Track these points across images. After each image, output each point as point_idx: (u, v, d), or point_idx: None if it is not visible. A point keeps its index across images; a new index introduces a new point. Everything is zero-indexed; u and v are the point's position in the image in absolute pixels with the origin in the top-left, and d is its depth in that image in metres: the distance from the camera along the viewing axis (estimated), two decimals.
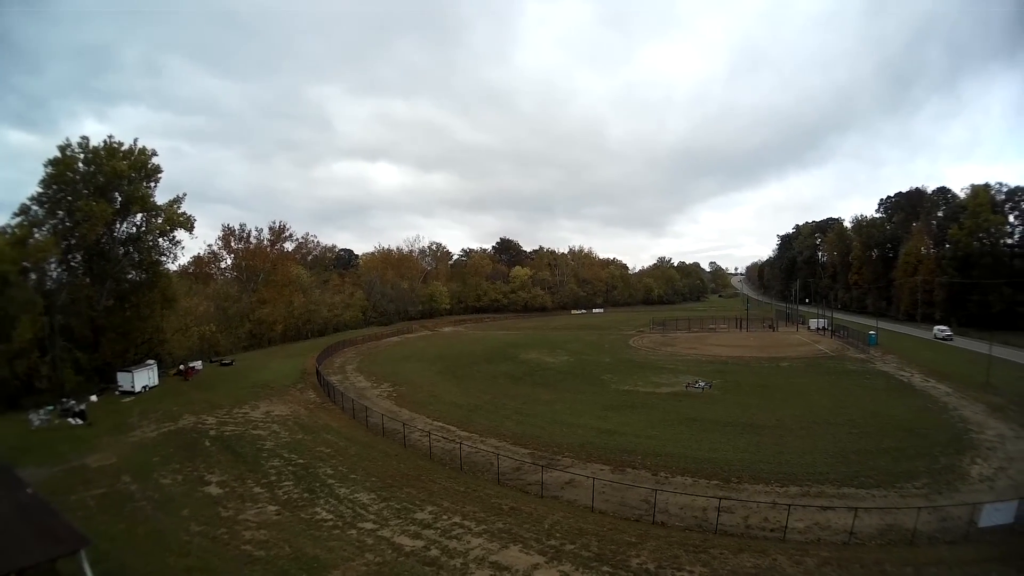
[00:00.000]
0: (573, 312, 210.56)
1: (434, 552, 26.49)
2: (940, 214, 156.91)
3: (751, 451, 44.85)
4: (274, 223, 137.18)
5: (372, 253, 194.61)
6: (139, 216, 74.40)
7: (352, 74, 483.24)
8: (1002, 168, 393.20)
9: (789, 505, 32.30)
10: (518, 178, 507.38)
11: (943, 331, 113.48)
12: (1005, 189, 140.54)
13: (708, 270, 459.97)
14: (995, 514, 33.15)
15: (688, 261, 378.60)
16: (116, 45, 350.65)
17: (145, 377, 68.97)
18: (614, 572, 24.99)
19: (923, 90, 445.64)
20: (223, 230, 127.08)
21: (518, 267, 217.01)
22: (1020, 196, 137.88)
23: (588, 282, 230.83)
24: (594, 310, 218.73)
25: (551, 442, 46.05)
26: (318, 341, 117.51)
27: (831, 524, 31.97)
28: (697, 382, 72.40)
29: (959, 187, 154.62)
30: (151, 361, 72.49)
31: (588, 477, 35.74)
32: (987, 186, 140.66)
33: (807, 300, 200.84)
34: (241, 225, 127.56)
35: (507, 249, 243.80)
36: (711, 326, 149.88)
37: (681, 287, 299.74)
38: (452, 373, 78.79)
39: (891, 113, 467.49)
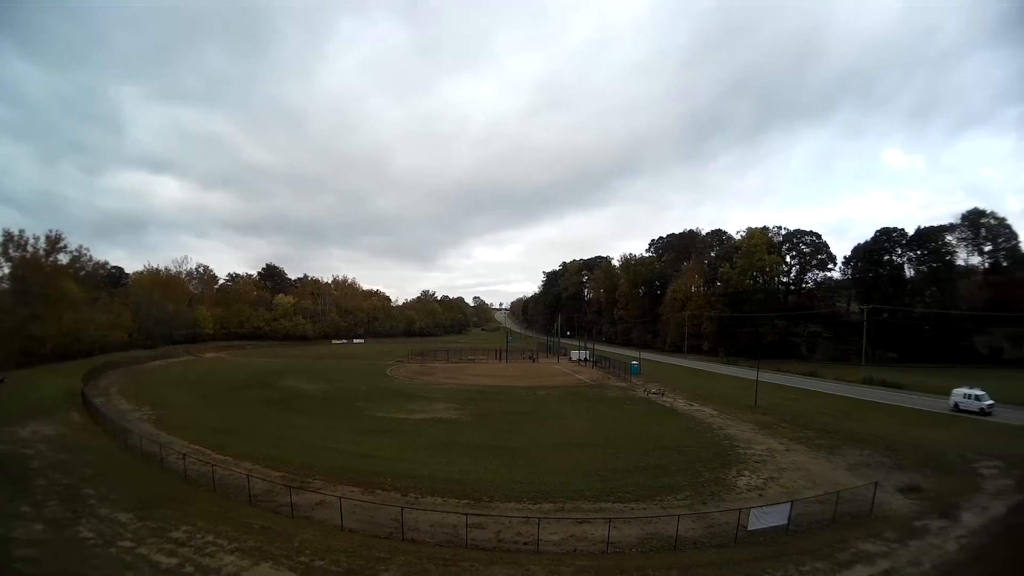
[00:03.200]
0: (334, 342, 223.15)
1: (189, 569, 28.87)
2: (713, 254, 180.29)
3: (503, 472, 47.71)
4: (51, 232, 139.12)
5: (142, 272, 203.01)
6: None
7: (156, 76, 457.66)
8: (793, 214, 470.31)
9: (539, 519, 34.60)
10: (295, 202, 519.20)
11: (973, 398, 73.26)
12: (784, 232, 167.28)
13: (472, 304, 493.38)
14: (765, 517, 35.53)
15: (454, 295, 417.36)
16: None
17: None
18: None
19: (724, 141, 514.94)
20: (3, 235, 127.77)
21: (282, 295, 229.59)
22: (798, 239, 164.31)
23: (350, 312, 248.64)
24: (355, 340, 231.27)
25: (303, 465, 48.65)
26: (86, 361, 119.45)
27: (588, 536, 34.09)
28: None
29: (736, 230, 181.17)
30: None
31: (338, 498, 37.73)
32: (764, 229, 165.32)
33: (568, 333, 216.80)
34: (20, 231, 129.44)
35: (273, 276, 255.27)
36: (470, 357, 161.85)
37: (443, 320, 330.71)
38: (211, 398, 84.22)
39: (686, 160, 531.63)
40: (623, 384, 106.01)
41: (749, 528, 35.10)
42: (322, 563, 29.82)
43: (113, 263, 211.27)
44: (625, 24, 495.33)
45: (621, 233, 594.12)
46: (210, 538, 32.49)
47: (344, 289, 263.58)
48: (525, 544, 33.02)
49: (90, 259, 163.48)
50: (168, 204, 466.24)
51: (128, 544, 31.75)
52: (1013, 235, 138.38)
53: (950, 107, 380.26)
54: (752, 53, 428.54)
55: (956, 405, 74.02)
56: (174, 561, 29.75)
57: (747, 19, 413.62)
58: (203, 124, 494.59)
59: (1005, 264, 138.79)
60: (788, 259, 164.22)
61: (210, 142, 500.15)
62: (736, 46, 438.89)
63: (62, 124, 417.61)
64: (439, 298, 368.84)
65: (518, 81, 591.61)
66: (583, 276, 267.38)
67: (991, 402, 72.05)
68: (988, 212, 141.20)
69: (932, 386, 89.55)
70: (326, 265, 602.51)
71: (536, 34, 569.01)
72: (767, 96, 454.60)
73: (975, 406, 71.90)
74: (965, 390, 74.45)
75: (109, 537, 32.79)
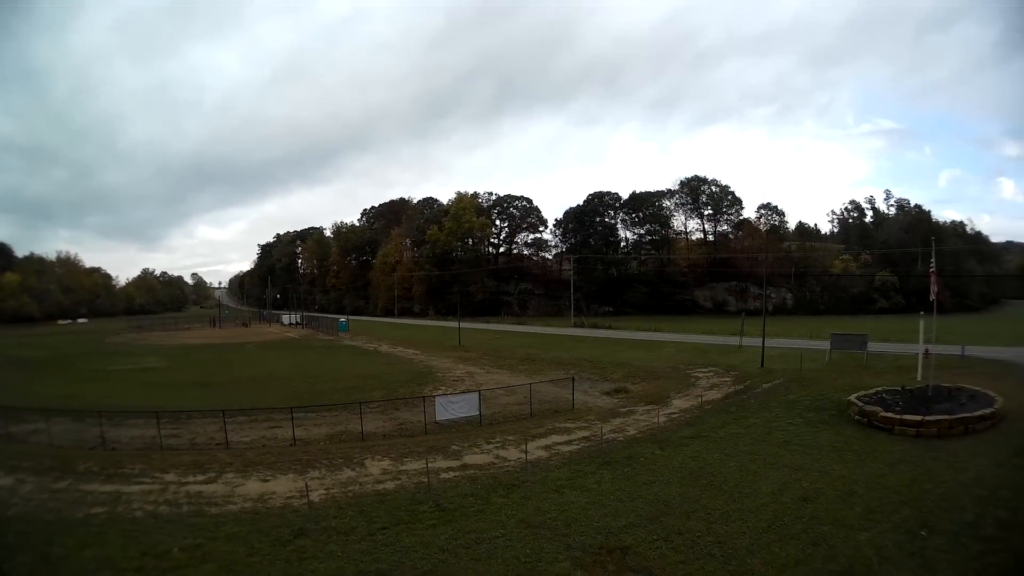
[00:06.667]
0: (59, 322, 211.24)
1: None
2: (423, 220, 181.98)
3: (202, 400, 49.14)
4: None
5: None
6: None
7: None
8: (517, 188, 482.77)
9: (224, 411, 36.97)
10: (27, 177, 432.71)
11: None
12: (494, 197, 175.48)
13: (191, 283, 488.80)
14: (453, 407, 37.72)
15: (175, 275, 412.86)
16: None
17: None
18: (63, 476, 28.86)
19: (457, 121, 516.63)
20: None
21: (9, 272, 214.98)
22: (509, 203, 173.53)
23: (73, 290, 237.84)
24: (79, 320, 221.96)
25: (18, 407, 45.95)
26: None
27: (278, 437, 36.31)
28: None
29: (447, 198, 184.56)
30: None
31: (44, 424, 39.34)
32: (475, 195, 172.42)
33: (279, 297, 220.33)
34: None
35: (1, 253, 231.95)
36: (186, 326, 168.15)
37: (163, 297, 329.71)
38: None
39: (416, 138, 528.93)
40: (331, 338, 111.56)
41: (438, 419, 36.55)
42: (28, 464, 31.31)
43: None
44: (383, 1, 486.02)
45: (344, 210, 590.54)
46: None
47: (67, 266, 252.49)
48: (217, 445, 34.82)
49: None
50: None
51: None
52: (737, 202, 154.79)
53: (696, 102, 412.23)
54: (502, 38, 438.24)
55: None
56: None
57: (505, 4, 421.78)
58: None
59: (727, 228, 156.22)
60: (498, 222, 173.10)
61: None
62: (488, 30, 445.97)
63: None
64: (158, 274, 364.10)
65: (264, 51, 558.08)
66: (297, 247, 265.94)
67: None
68: (709, 180, 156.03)
69: (643, 327, 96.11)
70: (54, 248, 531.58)
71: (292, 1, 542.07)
72: (509, 80, 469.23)
73: None
74: None
75: None
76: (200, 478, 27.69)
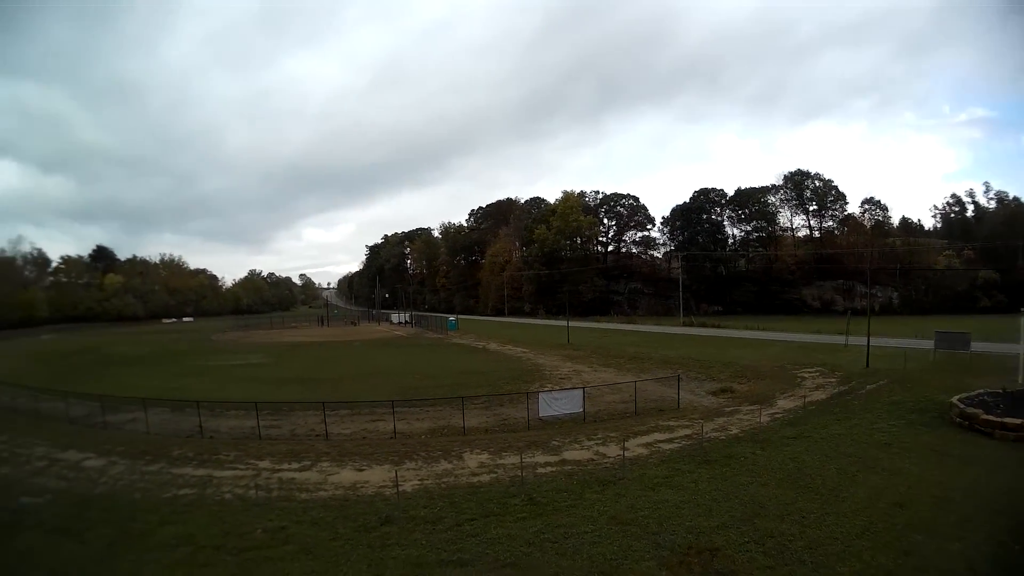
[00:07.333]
0: (164, 321, 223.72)
1: (5, 454, 33.70)
2: (531, 220, 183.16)
3: (304, 394, 49.26)
4: None
5: None
6: None
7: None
8: (624, 188, 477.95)
9: (324, 403, 37.76)
10: (129, 185, 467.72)
11: None
12: (600, 196, 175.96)
13: (299, 283, 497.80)
14: (556, 403, 37.16)
15: (283, 276, 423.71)
16: None
17: None
18: (155, 460, 30.85)
19: (564, 121, 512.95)
20: None
21: (112, 274, 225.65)
22: (614, 202, 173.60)
23: (178, 291, 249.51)
24: (184, 319, 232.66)
25: (121, 397, 48.14)
26: None
27: (379, 430, 36.67)
28: None
29: (554, 198, 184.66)
30: None
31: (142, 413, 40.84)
32: (582, 193, 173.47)
33: (387, 296, 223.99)
34: None
35: (103, 256, 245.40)
36: (293, 324, 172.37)
37: (270, 297, 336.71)
38: (50, 363, 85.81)
39: (523, 139, 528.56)
40: (439, 336, 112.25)
41: (540, 415, 36.27)
42: (122, 448, 33.44)
43: None
44: (479, 2, 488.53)
45: (452, 210, 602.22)
46: (29, 439, 37.05)
47: (172, 268, 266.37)
48: (316, 435, 35.50)
49: None
50: (8, 191, 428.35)
51: None
52: (841, 196, 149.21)
53: (797, 97, 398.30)
54: (600, 36, 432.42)
55: None
56: None
57: (600, 2, 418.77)
58: (45, 101, 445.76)
59: (832, 224, 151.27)
60: (606, 221, 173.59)
61: (51, 121, 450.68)
62: (586, 29, 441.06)
63: None
64: (265, 275, 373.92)
65: (362, 57, 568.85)
66: (405, 247, 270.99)
67: None
68: (813, 174, 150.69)
69: (751, 326, 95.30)
70: (158, 252, 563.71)
71: (387, 7, 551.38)
72: (611, 79, 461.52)
73: None
74: None
75: None
76: (295, 466, 28.82)
